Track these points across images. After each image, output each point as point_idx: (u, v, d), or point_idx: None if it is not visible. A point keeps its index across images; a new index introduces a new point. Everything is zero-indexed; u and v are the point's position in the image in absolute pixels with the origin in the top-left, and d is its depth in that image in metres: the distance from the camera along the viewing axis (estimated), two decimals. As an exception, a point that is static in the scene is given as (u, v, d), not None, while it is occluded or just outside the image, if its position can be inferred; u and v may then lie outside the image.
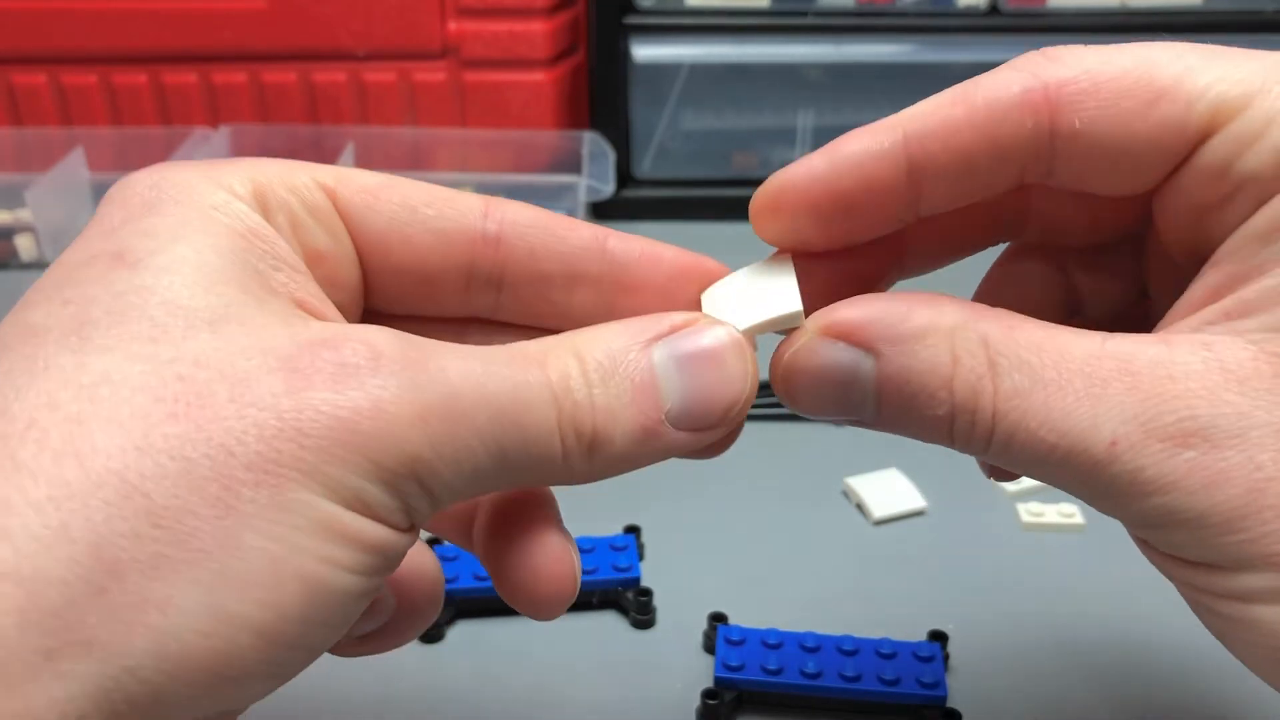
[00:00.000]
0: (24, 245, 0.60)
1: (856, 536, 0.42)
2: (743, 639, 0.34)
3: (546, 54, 0.64)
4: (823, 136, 0.65)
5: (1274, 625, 0.21)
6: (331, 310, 0.23)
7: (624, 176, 0.66)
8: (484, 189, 0.61)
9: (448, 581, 0.36)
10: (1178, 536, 0.21)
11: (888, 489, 0.43)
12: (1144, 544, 0.23)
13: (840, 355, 0.23)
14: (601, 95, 0.65)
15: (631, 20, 0.63)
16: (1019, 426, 0.21)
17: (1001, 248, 0.28)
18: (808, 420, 0.48)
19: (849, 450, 0.46)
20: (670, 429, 0.22)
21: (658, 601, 0.37)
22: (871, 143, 0.23)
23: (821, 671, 0.33)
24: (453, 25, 0.64)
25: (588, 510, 0.42)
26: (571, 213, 0.58)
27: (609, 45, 0.63)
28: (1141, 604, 0.38)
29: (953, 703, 0.33)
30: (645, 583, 0.38)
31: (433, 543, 0.39)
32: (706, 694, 0.33)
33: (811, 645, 0.34)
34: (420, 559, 0.26)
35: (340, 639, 0.24)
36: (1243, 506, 0.20)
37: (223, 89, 0.65)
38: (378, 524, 0.20)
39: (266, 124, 0.66)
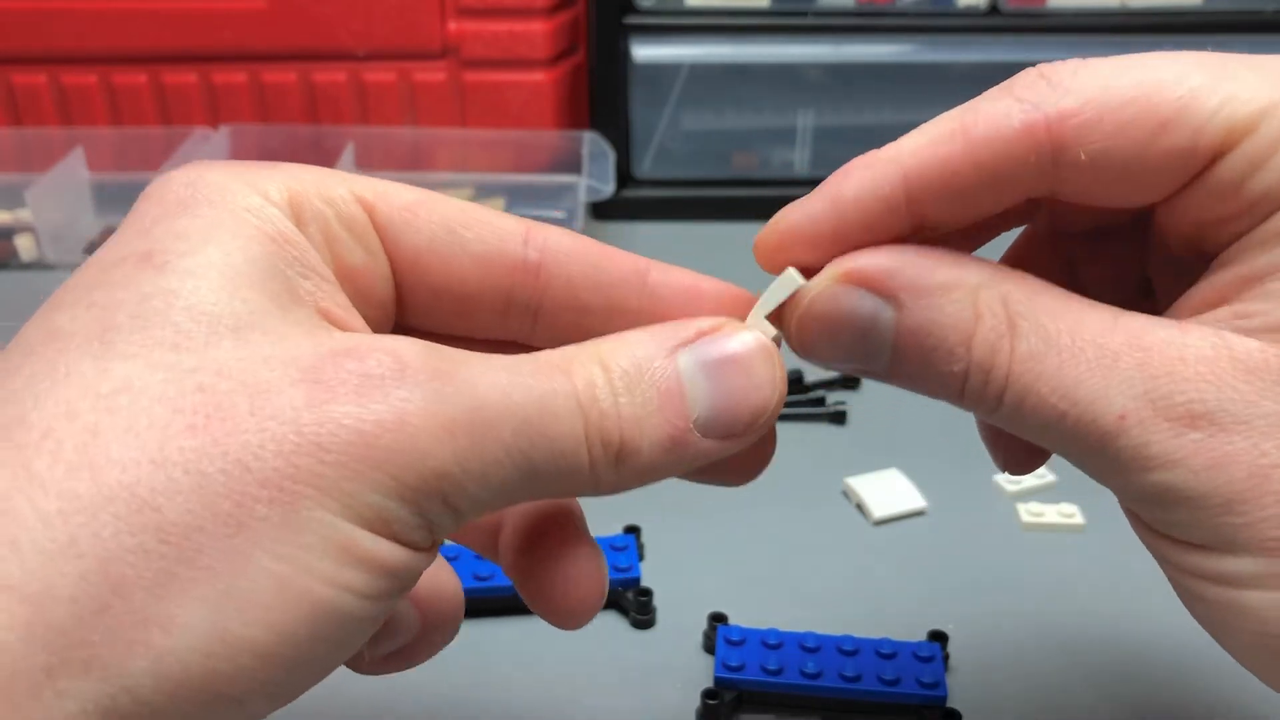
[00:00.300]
0: (24, 245, 0.60)
1: (856, 536, 0.42)
2: (743, 639, 0.34)
3: (546, 54, 0.64)
4: (822, 136, 0.66)
5: (1261, 611, 0.21)
6: (358, 322, 0.22)
7: (624, 176, 0.66)
8: (484, 189, 0.61)
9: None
10: (1176, 515, 0.21)
11: (888, 489, 0.43)
12: (1136, 519, 0.23)
13: (860, 303, 0.22)
14: (601, 95, 0.65)
15: (631, 20, 0.63)
16: (1030, 390, 0.21)
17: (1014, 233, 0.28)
18: (808, 420, 0.49)
19: (849, 450, 0.46)
20: (698, 437, 0.22)
21: (658, 601, 0.37)
22: (871, 185, 0.23)
23: (821, 671, 0.33)
24: (453, 25, 0.64)
25: (588, 510, 0.42)
26: (571, 212, 0.59)
27: (609, 45, 0.63)
28: (1141, 604, 0.38)
29: (953, 703, 0.33)
30: (645, 583, 0.38)
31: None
32: (706, 694, 0.34)
33: (811, 645, 0.34)
34: (442, 576, 0.26)
35: (362, 657, 0.24)
36: (1244, 490, 0.21)
37: (223, 89, 0.65)
38: (395, 545, 0.19)
39: (266, 124, 0.66)
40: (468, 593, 0.37)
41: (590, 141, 0.63)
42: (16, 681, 0.17)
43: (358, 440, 0.18)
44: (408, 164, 0.65)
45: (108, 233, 0.43)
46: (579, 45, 0.68)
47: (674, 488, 0.44)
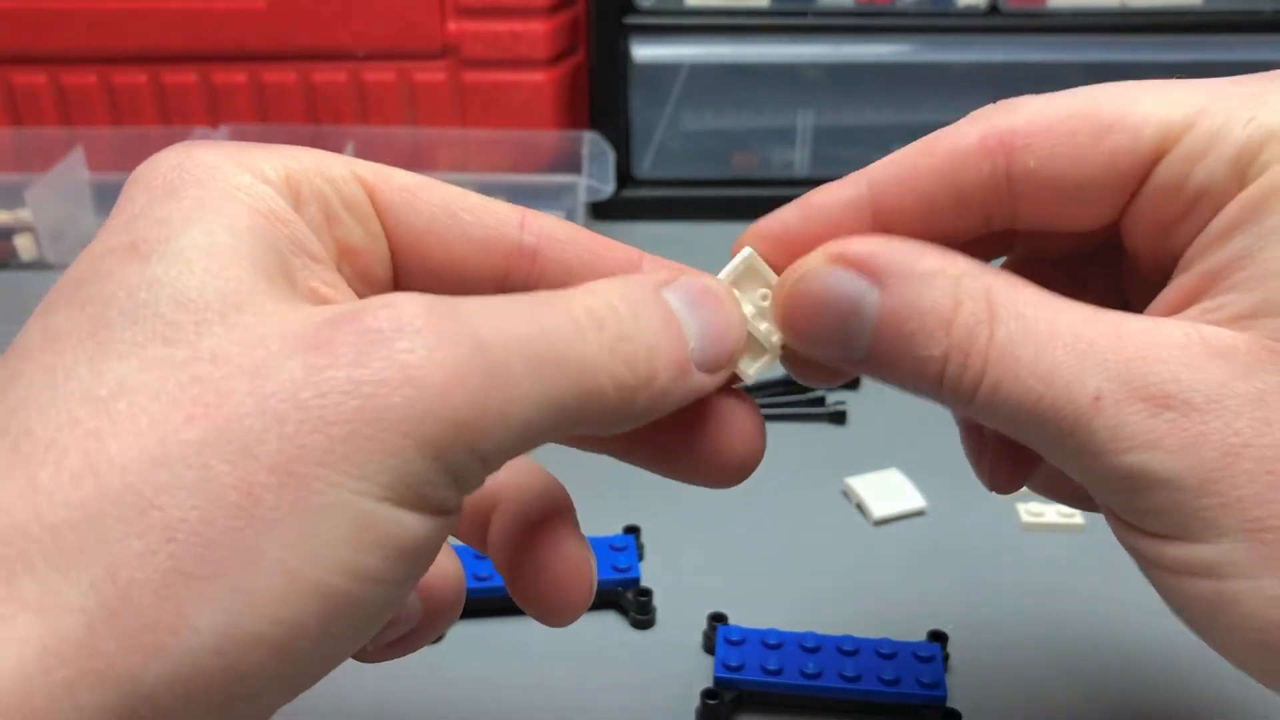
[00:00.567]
0: (24, 245, 0.60)
1: (856, 536, 0.42)
2: (743, 639, 0.34)
3: (546, 54, 0.64)
4: (822, 136, 0.66)
5: (1247, 604, 0.21)
6: (350, 299, 0.22)
7: (624, 176, 0.66)
8: (484, 189, 0.61)
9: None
10: (1153, 500, 0.21)
11: (888, 489, 0.43)
12: (1114, 518, 0.23)
13: (846, 283, 0.23)
14: (601, 95, 0.65)
15: (631, 20, 0.63)
16: (1009, 374, 0.22)
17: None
18: (808, 420, 0.49)
19: (849, 450, 0.46)
20: (695, 370, 0.22)
21: (658, 601, 0.37)
22: (840, 194, 0.25)
23: (821, 671, 0.33)
24: (453, 25, 0.64)
25: (588, 510, 0.42)
26: (571, 212, 0.59)
27: (609, 45, 0.63)
28: (1141, 604, 0.38)
29: (953, 703, 0.33)
30: (645, 583, 0.38)
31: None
32: (706, 694, 0.34)
33: (811, 645, 0.34)
34: (443, 561, 0.26)
35: (365, 647, 0.23)
36: (1217, 470, 0.21)
37: (223, 89, 0.65)
38: (419, 515, 0.19)
39: (266, 124, 0.66)
40: (468, 593, 0.37)
41: (590, 141, 0.63)
42: (36, 698, 0.16)
43: (365, 405, 0.18)
44: (408, 164, 0.64)
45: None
46: (579, 45, 0.68)
47: (674, 487, 0.44)
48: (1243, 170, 0.22)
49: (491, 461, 0.19)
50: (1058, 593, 0.39)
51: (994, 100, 0.25)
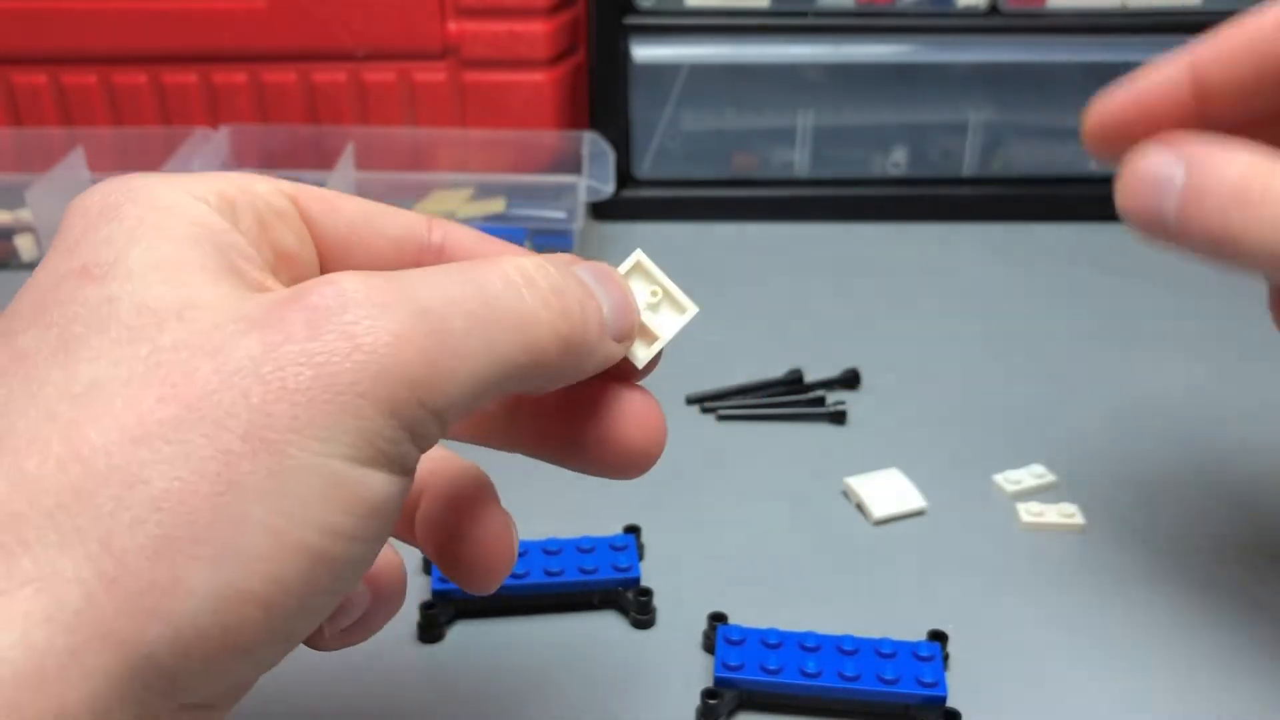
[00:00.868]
0: (24, 245, 0.60)
1: (856, 536, 0.42)
2: (742, 639, 0.34)
3: (547, 54, 0.64)
4: (822, 136, 0.66)
5: None
6: None
7: (624, 176, 0.66)
8: (484, 189, 0.61)
9: (447, 582, 0.36)
10: None
11: (888, 489, 0.43)
12: None
13: (1164, 160, 0.30)
14: (601, 95, 0.65)
15: (631, 20, 0.63)
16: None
17: None
18: (808, 420, 0.49)
19: (849, 450, 0.46)
20: (609, 337, 0.24)
21: (658, 601, 0.38)
22: (1163, 76, 0.33)
23: (821, 671, 0.33)
24: (453, 25, 0.64)
25: (588, 510, 0.42)
26: (571, 212, 0.59)
27: (609, 45, 0.63)
28: (1141, 604, 0.38)
29: (952, 702, 0.33)
30: (645, 583, 0.38)
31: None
32: (706, 694, 0.34)
33: (811, 645, 0.34)
34: (386, 551, 0.27)
35: (322, 634, 0.26)
36: None
37: (223, 89, 0.65)
38: (382, 473, 0.20)
39: (266, 124, 0.66)
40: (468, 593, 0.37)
41: (590, 141, 0.63)
42: (45, 668, 0.17)
43: (320, 372, 0.19)
44: (408, 164, 0.65)
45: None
46: (579, 45, 0.68)
47: (674, 487, 0.44)
48: None
49: (446, 416, 0.21)
50: (1058, 593, 0.39)
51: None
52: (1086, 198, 0.66)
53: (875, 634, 0.35)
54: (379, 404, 0.20)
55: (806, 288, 0.59)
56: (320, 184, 0.59)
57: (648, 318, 0.26)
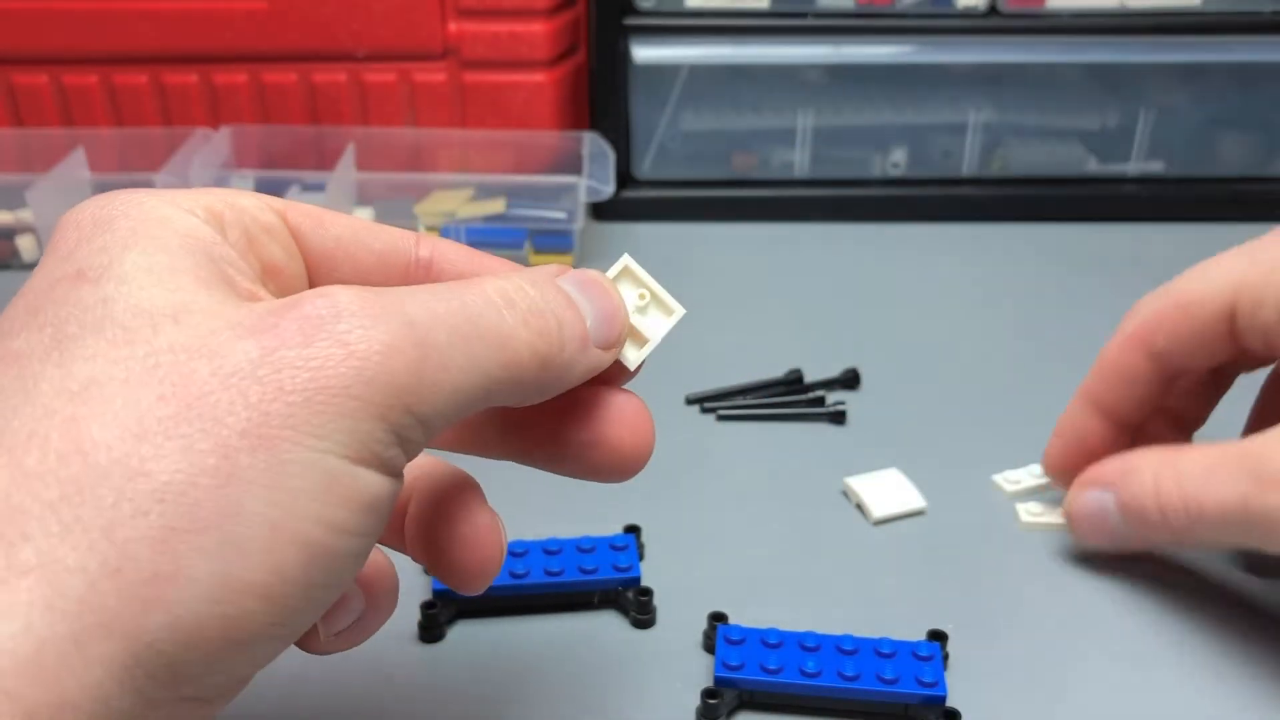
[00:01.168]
0: (25, 245, 0.60)
1: (856, 536, 0.42)
2: (743, 638, 0.35)
3: (547, 55, 0.64)
4: (822, 137, 0.66)
5: None
6: None
7: (624, 177, 0.66)
8: (484, 189, 0.61)
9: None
10: None
11: (888, 489, 0.43)
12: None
13: (1093, 495, 0.38)
14: (601, 96, 0.65)
15: (631, 21, 0.63)
16: (1193, 499, 0.35)
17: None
18: (808, 420, 0.49)
19: (849, 450, 0.46)
20: (592, 345, 0.25)
21: (658, 601, 0.38)
22: (1075, 417, 0.41)
23: (821, 671, 0.33)
24: (453, 26, 0.64)
25: (588, 510, 0.42)
26: (571, 213, 0.59)
27: (609, 46, 0.63)
28: (1140, 604, 0.38)
29: (952, 702, 0.33)
30: (645, 583, 0.38)
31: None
32: (706, 694, 0.34)
33: (811, 644, 0.34)
34: (377, 557, 0.28)
35: (316, 637, 0.26)
36: None
37: (223, 89, 0.65)
38: (374, 472, 0.21)
39: (267, 124, 0.66)
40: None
41: (590, 142, 0.63)
42: (46, 656, 0.18)
43: (315, 375, 0.20)
44: (408, 164, 0.65)
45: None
46: (579, 46, 0.68)
47: (674, 487, 0.44)
48: None
49: (431, 424, 0.22)
50: (1057, 593, 0.39)
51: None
52: (1086, 198, 0.66)
53: (875, 634, 0.35)
54: (370, 407, 0.20)
55: (806, 288, 0.59)
56: (321, 184, 0.60)
57: (637, 320, 0.27)
